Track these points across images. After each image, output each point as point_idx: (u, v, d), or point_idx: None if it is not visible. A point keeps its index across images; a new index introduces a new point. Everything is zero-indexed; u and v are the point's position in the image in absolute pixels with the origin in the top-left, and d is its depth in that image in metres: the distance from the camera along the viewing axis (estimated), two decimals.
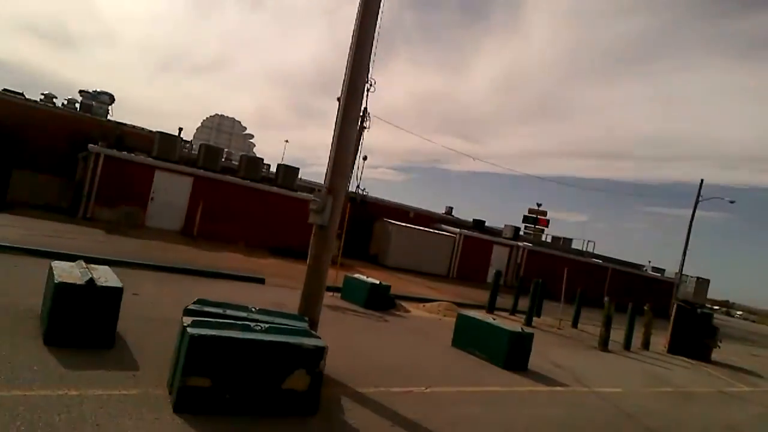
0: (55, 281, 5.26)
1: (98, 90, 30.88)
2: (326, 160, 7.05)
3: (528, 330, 8.94)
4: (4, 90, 23.83)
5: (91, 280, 5.45)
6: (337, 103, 21.87)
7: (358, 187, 27.35)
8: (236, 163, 25.63)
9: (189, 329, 4.45)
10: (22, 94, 24.22)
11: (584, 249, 34.53)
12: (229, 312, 5.55)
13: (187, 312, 5.30)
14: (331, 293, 12.93)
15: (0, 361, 4.52)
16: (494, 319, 9.14)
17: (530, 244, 29.16)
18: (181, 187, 19.46)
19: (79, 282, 5.37)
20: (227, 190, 20.49)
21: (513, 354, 8.23)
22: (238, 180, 21.11)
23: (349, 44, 6.74)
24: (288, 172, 24.09)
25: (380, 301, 11.79)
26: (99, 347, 5.33)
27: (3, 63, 73.42)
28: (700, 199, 33.18)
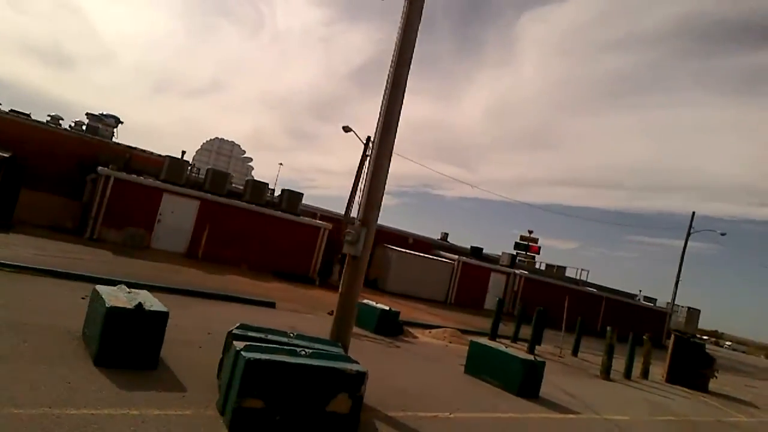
0: (107, 306, 5.52)
1: (104, 113, 31.30)
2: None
3: (540, 358, 9.25)
4: (11, 111, 24.13)
5: (140, 305, 5.73)
6: (344, 132, 22.31)
7: (359, 212, 27.77)
8: (241, 187, 25.96)
9: (244, 353, 4.74)
10: (28, 115, 24.53)
11: (578, 277, 35.04)
12: (270, 337, 5.85)
13: (234, 336, 5.59)
14: None
15: (60, 381, 4.76)
16: (507, 348, 9.45)
17: (527, 272, 29.60)
18: (187, 210, 19.72)
19: (128, 306, 5.65)
20: (233, 214, 20.77)
21: (526, 382, 8.51)
22: (243, 204, 21.43)
23: (384, 85, 7.28)
24: (292, 196, 24.46)
25: (389, 327, 12.05)
26: (145, 368, 5.57)
27: (1, 82, 73.85)
28: (692, 231, 34.03)
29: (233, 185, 28.08)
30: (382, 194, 7.55)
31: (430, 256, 27.46)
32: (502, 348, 9.33)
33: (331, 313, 13.63)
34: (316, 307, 14.75)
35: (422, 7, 7.53)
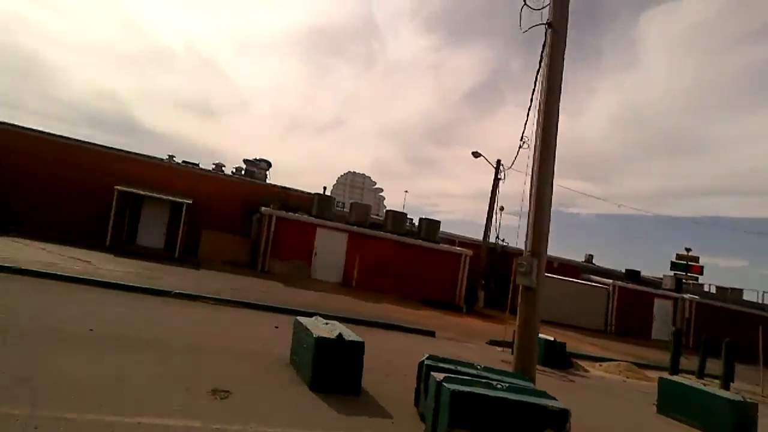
0: (314, 336, 6.09)
1: (258, 158, 35.27)
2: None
3: (749, 399, 8.04)
4: (184, 162, 28.24)
5: (340, 335, 6.22)
6: (474, 157, 22.12)
7: (497, 237, 27.23)
8: (379, 217, 27.19)
9: (446, 385, 4.87)
10: (197, 165, 28.51)
11: (761, 301, 29.96)
12: (459, 368, 5.93)
13: (427, 367, 5.78)
14: (500, 348, 12.89)
15: (289, 404, 5.33)
16: (705, 385, 8.39)
17: (697, 297, 26.13)
18: (338, 242, 21.14)
19: (331, 336, 6.17)
20: (378, 244, 21.74)
21: (739, 426, 7.42)
22: (387, 235, 22.33)
23: (536, 119, 7.34)
24: (430, 225, 24.89)
25: (556, 358, 11.45)
26: (350, 394, 5.99)
27: (161, 135, 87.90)
28: None
29: (373, 216, 29.55)
30: (549, 224, 7.44)
31: (581, 281, 25.71)
32: (702, 386, 8.29)
33: (492, 343, 13.45)
34: (471, 335, 14.62)
35: (566, 35, 7.46)
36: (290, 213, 21.46)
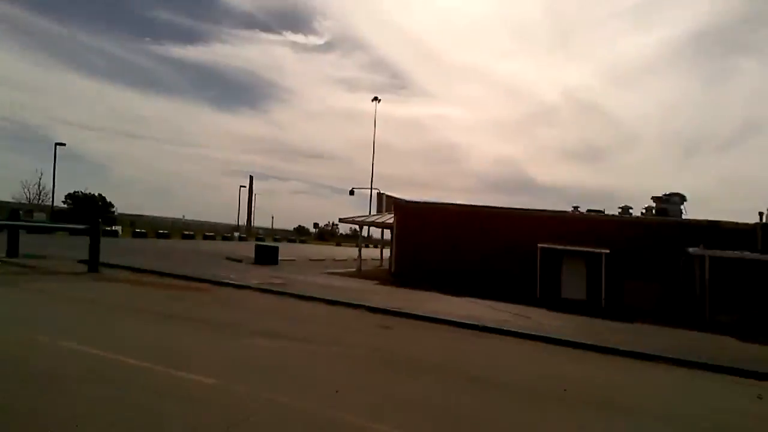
0: None
1: (669, 192, 31.97)
2: None
3: None
4: (588, 210, 28.09)
5: None
6: None
7: None
8: None
9: None
10: (602, 211, 27.93)
11: None
12: None
13: None
14: None
15: None
16: None
17: None
18: None
19: None
20: None
21: None
22: None
23: None
24: None
25: None
26: None
27: (553, 187, 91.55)
28: None
29: None
30: None
31: None
32: None
33: None
34: None
35: None
36: (728, 251, 18.13)
